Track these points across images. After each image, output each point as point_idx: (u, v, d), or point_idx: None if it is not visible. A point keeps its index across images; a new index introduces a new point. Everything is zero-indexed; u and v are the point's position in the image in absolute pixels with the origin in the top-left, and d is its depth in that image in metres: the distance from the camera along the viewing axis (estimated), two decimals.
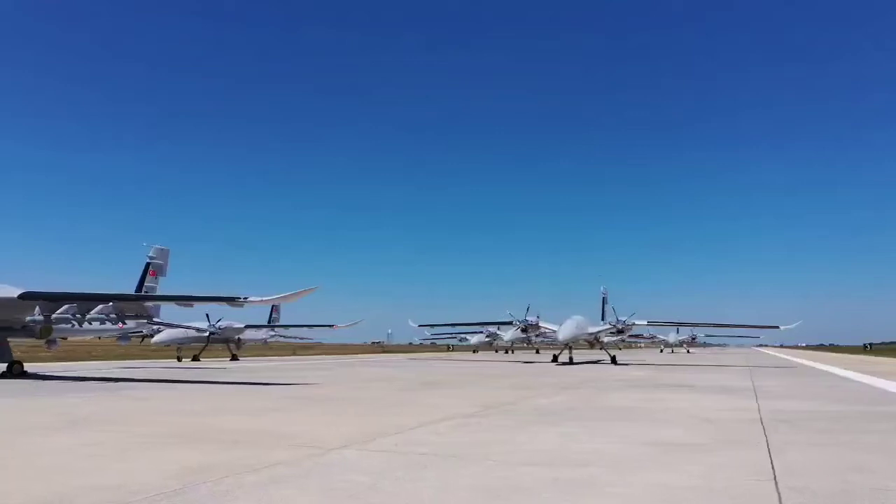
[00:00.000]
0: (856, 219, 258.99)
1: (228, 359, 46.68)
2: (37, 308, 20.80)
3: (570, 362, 38.20)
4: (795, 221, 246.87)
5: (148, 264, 31.99)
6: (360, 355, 60.89)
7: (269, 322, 53.61)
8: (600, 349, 44.16)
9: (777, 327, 39.67)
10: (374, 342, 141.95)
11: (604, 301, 46.48)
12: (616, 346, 58.88)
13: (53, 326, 21.73)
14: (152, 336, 39.85)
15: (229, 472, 5.85)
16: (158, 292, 31.81)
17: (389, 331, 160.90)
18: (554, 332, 39.75)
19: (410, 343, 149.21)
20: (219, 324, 44.48)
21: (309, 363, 39.35)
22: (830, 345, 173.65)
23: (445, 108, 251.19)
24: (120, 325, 26.52)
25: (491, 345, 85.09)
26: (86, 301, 20.59)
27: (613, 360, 40.45)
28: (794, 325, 38.32)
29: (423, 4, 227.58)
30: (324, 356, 57.01)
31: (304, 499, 4.94)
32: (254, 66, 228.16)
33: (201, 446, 7.41)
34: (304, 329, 54.88)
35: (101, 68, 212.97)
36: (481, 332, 76.77)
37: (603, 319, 45.38)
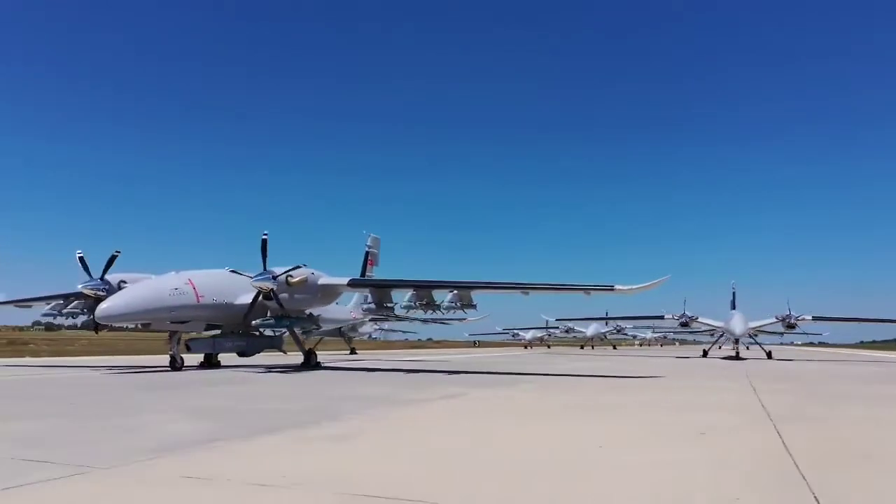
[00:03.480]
0: (855, 218, 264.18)
1: (348, 352, 45.02)
2: (367, 295, 19.41)
3: (737, 357, 37.77)
4: (795, 221, 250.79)
5: (367, 253, 30.24)
6: (378, 351, 58.65)
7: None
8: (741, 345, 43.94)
9: None
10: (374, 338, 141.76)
11: (734, 295, 46.36)
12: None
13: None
14: None
15: None
16: None
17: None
18: (712, 326, 39.48)
19: (407, 339, 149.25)
20: None
21: (448, 356, 37.65)
22: (820, 343, 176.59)
23: (467, 104, 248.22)
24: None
25: (542, 341, 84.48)
26: (422, 288, 18.88)
27: (769, 356, 40.27)
28: None
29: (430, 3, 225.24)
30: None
31: None
32: (254, 64, 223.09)
33: None
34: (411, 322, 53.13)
35: (109, 65, 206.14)
36: (555, 328, 75.84)
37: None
